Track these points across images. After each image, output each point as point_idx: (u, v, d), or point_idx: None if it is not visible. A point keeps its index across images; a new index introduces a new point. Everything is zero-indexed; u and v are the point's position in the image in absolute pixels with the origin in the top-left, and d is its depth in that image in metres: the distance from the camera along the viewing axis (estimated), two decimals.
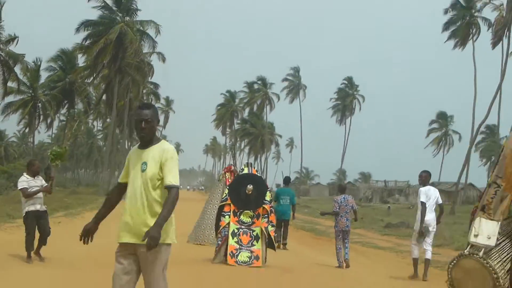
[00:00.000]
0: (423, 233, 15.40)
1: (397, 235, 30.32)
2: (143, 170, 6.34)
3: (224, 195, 17.08)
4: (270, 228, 16.58)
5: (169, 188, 6.23)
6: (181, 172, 6.63)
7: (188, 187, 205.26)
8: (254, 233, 16.53)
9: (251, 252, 16.30)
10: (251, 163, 17.83)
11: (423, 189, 15.72)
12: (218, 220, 16.85)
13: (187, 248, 19.22)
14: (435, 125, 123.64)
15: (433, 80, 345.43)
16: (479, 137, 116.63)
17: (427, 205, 15.46)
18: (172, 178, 6.27)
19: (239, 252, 16.33)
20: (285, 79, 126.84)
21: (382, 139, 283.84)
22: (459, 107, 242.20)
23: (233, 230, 16.51)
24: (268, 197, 16.84)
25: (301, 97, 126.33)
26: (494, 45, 70.43)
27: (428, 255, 15.54)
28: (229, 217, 16.56)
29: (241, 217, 16.61)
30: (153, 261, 6.21)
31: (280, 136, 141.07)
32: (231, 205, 16.64)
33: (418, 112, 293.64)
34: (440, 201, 15.91)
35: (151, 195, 6.28)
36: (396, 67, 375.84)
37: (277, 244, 17.54)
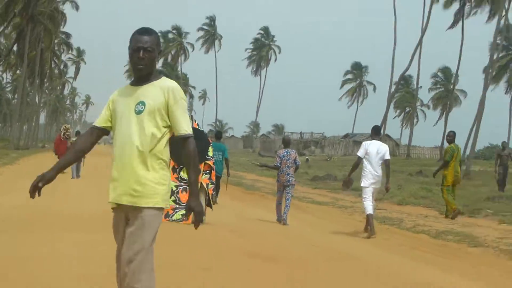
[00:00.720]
0: (347, 184, 15.36)
1: (328, 188, 29.59)
2: (138, 112, 4.91)
3: None
4: (210, 186, 15.53)
5: (185, 138, 4.94)
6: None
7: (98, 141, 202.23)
8: None
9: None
10: (191, 116, 16.58)
11: (364, 143, 15.04)
12: None
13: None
14: (349, 76, 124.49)
15: (349, 31, 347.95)
16: (392, 88, 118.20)
17: (370, 161, 14.61)
18: (187, 126, 4.96)
19: (176, 212, 15.23)
20: (200, 29, 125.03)
21: (297, 91, 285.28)
22: (374, 58, 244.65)
23: (171, 188, 15.26)
24: (210, 152, 15.73)
25: (216, 47, 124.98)
26: None
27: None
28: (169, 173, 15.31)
29: (181, 173, 15.49)
30: (140, 227, 4.82)
31: (194, 87, 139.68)
32: (171, 160, 15.35)
33: (334, 64, 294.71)
34: (387, 157, 14.84)
35: (149, 144, 4.88)
36: (312, 18, 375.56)
37: (213, 203, 16.48)
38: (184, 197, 15.34)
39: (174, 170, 15.41)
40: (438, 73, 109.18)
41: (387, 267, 10.64)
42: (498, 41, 72.72)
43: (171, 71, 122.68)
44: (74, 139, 29.10)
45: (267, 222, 16.73)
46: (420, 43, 66.97)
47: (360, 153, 14.71)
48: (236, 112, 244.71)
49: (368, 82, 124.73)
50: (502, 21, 62.42)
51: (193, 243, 12.22)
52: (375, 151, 14.62)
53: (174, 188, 15.39)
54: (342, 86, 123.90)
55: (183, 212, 15.08)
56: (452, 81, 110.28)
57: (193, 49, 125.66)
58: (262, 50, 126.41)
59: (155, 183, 4.89)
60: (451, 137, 18.84)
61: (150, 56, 5.00)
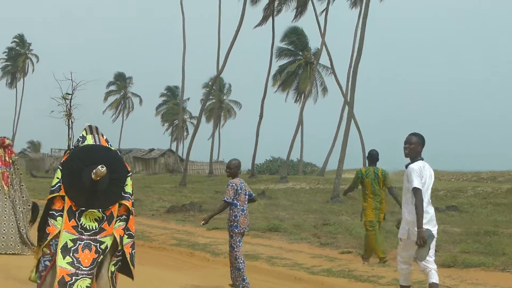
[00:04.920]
0: (425, 242, 8.50)
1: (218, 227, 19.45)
2: None
3: (55, 181, 9.39)
4: (126, 241, 9.21)
5: None
6: None
7: None
8: (103, 246, 9.12)
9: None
10: (96, 127, 9.95)
11: (415, 167, 8.83)
12: (43, 224, 9.15)
13: None
14: (113, 87, 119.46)
15: (113, 37, 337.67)
16: (159, 100, 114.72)
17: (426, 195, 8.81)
18: None
19: (75, 280, 9.02)
20: None
21: (58, 104, 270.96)
22: (137, 68, 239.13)
23: (65, 243, 8.97)
24: (129, 187, 9.43)
25: None
26: None
27: (434, 278, 8.75)
28: (62, 218, 9.08)
29: (82, 220, 9.07)
30: None
31: None
32: (66, 198, 9.13)
33: (98, 73, 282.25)
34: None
35: None
36: (74, 24, 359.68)
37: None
38: (86, 258, 9.15)
39: (71, 213, 9.20)
40: (210, 83, 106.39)
41: None
42: (283, 45, 71.39)
43: None
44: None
45: None
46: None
47: (417, 182, 8.65)
48: None
49: (134, 94, 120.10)
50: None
51: None
52: (429, 177, 8.92)
53: (71, 244, 9.17)
54: (106, 98, 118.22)
55: (89, 282, 9.10)
56: (225, 91, 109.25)
57: None
58: (17, 60, 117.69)
59: None
60: (372, 156, 14.41)
61: None
